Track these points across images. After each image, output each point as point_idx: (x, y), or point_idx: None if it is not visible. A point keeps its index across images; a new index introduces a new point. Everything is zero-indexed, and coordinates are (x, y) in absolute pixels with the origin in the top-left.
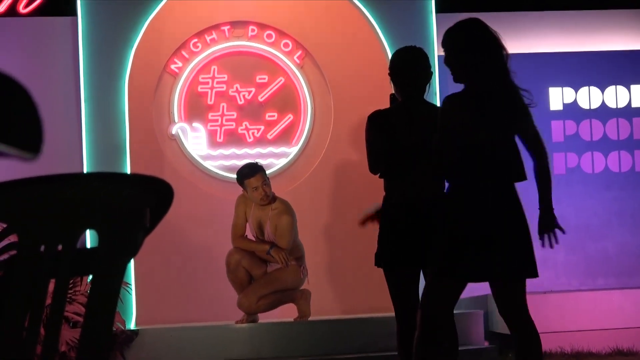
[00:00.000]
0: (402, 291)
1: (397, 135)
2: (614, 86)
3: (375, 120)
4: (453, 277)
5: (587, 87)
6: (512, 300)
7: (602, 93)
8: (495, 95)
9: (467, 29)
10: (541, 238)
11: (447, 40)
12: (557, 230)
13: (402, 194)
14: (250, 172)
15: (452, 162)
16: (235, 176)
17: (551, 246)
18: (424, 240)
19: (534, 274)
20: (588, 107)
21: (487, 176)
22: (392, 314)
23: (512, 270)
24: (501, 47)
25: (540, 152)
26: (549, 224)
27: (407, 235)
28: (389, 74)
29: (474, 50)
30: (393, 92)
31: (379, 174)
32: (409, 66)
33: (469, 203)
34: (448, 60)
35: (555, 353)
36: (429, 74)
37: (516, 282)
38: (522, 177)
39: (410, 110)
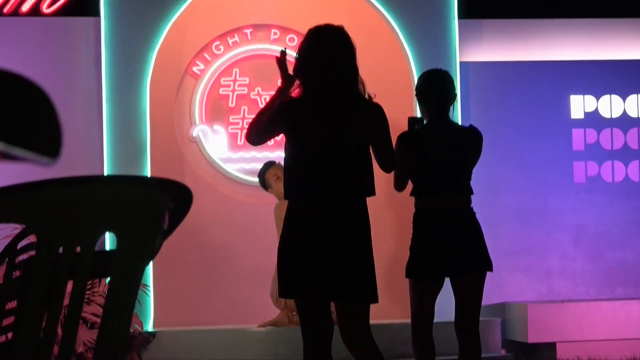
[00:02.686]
0: (425, 301)
1: (427, 153)
2: (635, 95)
3: (405, 140)
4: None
5: (608, 96)
6: (351, 322)
7: (624, 102)
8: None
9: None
10: None
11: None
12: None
13: (432, 207)
14: (265, 166)
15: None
16: (255, 180)
17: None
18: (454, 252)
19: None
20: (609, 116)
21: (325, 191)
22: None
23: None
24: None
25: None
26: None
27: (437, 248)
28: (416, 95)
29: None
30: (411, 116)
31: (410, 192)
32: (435, 89)
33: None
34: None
35: None
36: (453, 96)
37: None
38: (370, 192)
39: (438, 130)
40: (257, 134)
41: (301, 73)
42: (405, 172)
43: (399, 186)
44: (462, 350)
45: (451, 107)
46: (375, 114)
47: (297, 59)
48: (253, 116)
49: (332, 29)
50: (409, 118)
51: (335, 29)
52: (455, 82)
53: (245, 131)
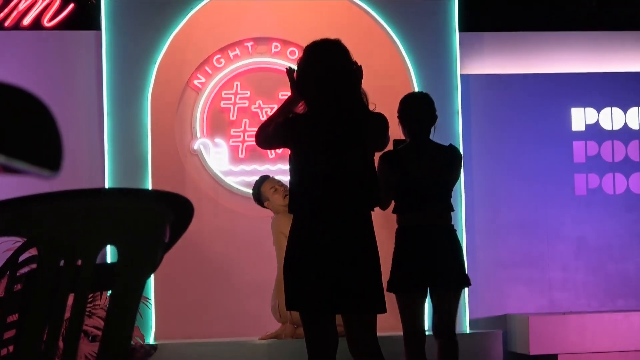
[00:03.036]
0: (412, 313)
1: (409, 172)
2: (636, 107)
3: (388, 159)
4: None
5: (609, 108)
6: (359, 333)
7: (625, 114)
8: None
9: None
10: None
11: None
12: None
13: (414, 223)
14: (260, 179)
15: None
16: None
17: None
18: (434, 265)
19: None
20: (610, 128)
21: (331, 205)
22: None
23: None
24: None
25: None
26: None
27: (419, 261)
28: (398, 117)
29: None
30: (396, 138)
31: (392, 209)
32: (416, 110)
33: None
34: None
35: None
36: (434, 118)
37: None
38: (375, 204)
39: (418, 150)
40: (264, 140)
41: (302, 89)
42: (388, 190)
43: (383, 204)
44: (440, 356)
45: (432, 128)
46: (379, 122)
47: (297, 76)
48: (255, 129)
49: (328, 42)
50: (393, 140)
51: (331, 42)
52: (454, 78)
53: (256, 133)
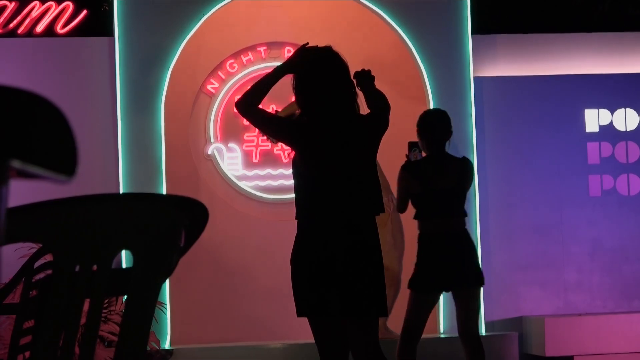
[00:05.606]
0: (420, 312)
1: (428, 182)
2: None
3: (410, 170)
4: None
5: (623, 109)
6: (363, 336)
7: (639, 115)
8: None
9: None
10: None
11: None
12: None
13: (434, 231)
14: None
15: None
16: (271, 197)
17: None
18: (452, 269)
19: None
20: (624, 129)
21: (335, 211)
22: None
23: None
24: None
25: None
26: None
27: (438, 266)
28: (417, 132)
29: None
30: (411, 140)
31: (414, 216)
32: (435, 129)
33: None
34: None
35: None
36: (449, 133)
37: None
38: (380, 209)
39: (435, 162)
40: (246, 108)
41: (299, 99)
42: (405, 197)
43: (401, 208)
44: (469, 357)
45: (447, 142)
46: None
47: (294, 88)
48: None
49: (319, 50)
50: (408, 143)
51: (322, 50)
52: (466, 81)
53: (240, 98)
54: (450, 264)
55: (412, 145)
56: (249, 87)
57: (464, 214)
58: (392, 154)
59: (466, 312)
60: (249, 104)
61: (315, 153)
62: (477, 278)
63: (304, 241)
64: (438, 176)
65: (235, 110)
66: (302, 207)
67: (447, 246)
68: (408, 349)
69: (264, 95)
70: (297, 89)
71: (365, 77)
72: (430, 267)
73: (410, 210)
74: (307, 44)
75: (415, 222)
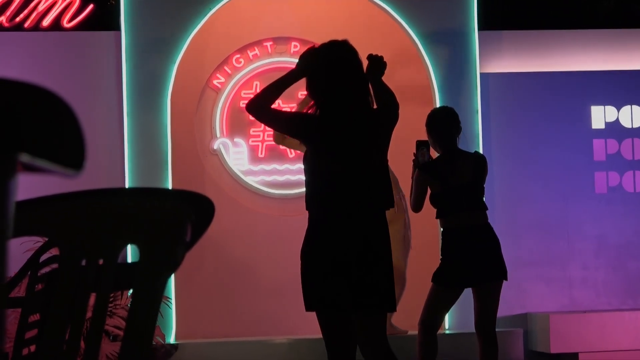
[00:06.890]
0: (439, 307)
1: (446, 179)
2: None
3: (428, 171)
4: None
5: (629, 106)
6: (372, 332)
7: None
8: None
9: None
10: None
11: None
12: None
13: (455, 226)
14: None
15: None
16: (277, 192)
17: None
18: (475, 262)
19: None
20: (630, 126)
21: (347, 205)
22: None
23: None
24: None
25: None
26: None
27: (461, 261)
28: (427, 130)
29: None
30: (419, 139)
31: (436, 214)
32: (445, 126)
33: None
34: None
35: None
36: (459, 129)
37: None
38: (390, 204)
39: (450, 159)
40: (258, 108)
41: (312, 93)
42: (421, 196)
43: (417, 208)
44: (482, 351)
45: (457, 138)
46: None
47: (306, 81)
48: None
49: (334, 44)
50: (416, 141)
51: (337, 43)
52: (473, 76)
53: (252, 100)
54: (474, 259)
55: (419, 144)
56: (259, 91)
57: (485, 207)
58: (398, 151)
59: (484, 307)
60: (260, 106)
61: (330, 147)
62: (500, 271)
63: (316, 235)
64: (455, 173)
65: (242, 106)
66: (314, 201)
67: (471, 240)
68: (428, 338)
69: (277, 97)
70: (311, 85)
71: (377, 63)
72: (454, 262)
73: (423, 210)
74: (314, 46)
75: (429, 221)
